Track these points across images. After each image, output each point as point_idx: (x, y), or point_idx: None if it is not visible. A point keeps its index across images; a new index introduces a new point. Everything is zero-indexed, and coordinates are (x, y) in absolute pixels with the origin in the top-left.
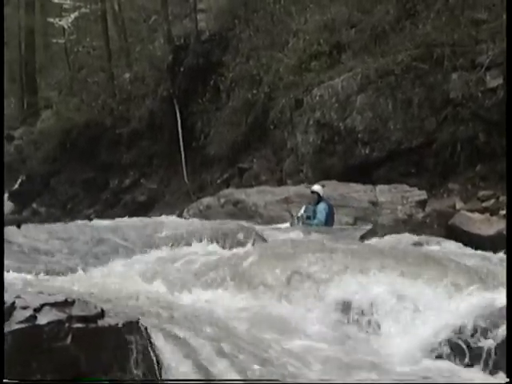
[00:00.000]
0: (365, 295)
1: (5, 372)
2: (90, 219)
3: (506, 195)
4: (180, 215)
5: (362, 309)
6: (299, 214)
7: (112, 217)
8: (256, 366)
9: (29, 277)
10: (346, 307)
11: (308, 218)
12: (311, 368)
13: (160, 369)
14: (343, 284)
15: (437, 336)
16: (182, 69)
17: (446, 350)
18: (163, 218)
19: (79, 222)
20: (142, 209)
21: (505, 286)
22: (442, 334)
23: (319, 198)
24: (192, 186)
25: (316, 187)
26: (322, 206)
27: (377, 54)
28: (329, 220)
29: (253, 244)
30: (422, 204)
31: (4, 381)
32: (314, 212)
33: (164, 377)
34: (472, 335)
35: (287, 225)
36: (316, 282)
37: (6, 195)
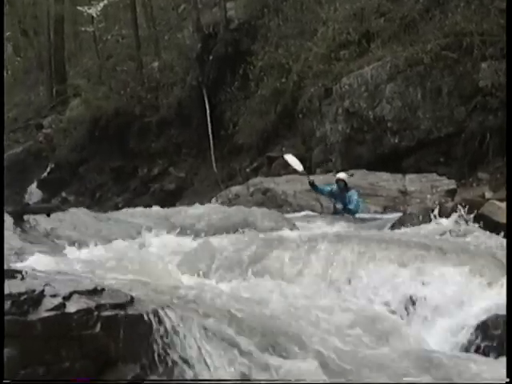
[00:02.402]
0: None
1: (34, 358)
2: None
3: (506, 195)
4: (209, 203)
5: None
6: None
7: (140, 205)
8: None
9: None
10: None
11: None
12: None
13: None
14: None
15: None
16: (210, 57)
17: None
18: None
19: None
20: (171, 197)
21: None
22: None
23: (346, 186)
24: (221, 174)
25: (342, 175)
26: (355, 195)
27: (406, 42)
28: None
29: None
30: (451, 193)
31: (4, 381)
32: (344, 199)
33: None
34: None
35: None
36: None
37: (34, 183)
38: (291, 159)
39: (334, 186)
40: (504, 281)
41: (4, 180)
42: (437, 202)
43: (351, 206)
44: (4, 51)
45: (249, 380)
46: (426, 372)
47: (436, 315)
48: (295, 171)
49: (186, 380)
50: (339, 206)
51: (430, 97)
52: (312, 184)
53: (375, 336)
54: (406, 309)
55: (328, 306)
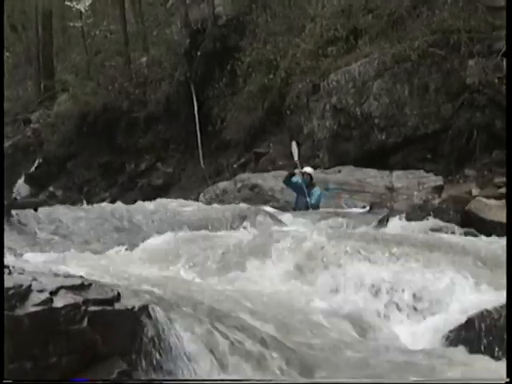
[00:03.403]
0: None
1: (22, 353)
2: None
3: (506, 194)
4: (196, 199)
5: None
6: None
7: (128, 200)
8: None
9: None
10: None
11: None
12: None
13: (175, 352)
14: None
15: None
16: (198, 53)
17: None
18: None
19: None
20: (158, 192)
21: None
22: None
23: (311, 180)
24: (208, 170)
25: (308, 169)
26: (318, 191)
27: (393, 39)
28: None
29: None
30: (438, 190)
31: (4, 381)
32: (309, 194)
33: (178, 359)
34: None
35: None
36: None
37: (22, 178)
38: (294, 147)
39: (300, 180)
40: (489, 278)
41: (4, 180)
42: (423, 199)
43: (312, 201)
44: (4, 51)
45: (249, 380)
46: (407, 371)
47: (422, 312)
48: (282, 167)
49: (194, 380)
50: (301, 200)
51: (418, 93)
52: (290, 176)
53: (358, 333)
54: (390, 306)
55: (309, 304)
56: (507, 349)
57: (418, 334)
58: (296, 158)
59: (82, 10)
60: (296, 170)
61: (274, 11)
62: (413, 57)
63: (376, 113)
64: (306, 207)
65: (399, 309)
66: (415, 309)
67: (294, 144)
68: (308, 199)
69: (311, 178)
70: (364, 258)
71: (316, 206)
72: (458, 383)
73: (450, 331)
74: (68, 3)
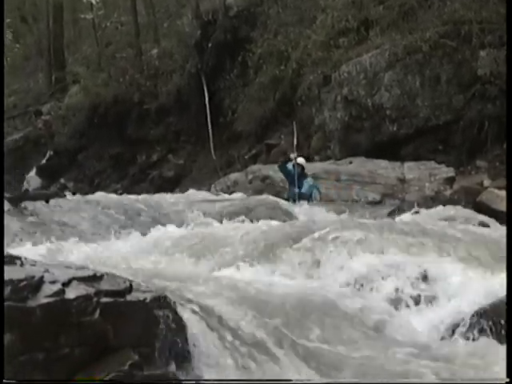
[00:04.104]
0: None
1: (33, 344)
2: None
3: (506, 193)
4: (208, 191)
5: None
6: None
7: (139, 192)
8: None
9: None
10: None
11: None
12: None
13: (187, 343)
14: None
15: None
16: (209, 45)
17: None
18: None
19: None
20: (169, 184)
21: None
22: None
23: (303, 171)
24: (219, 161)
25: (300, 160)
26: (310, 182)
27: (405, 30)
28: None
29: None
30: (449, 181)
31: (4, 381)
32: (300, 185)
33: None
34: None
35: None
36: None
37: (33, 170)
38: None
39: (291, 167)
40: (499, 269)
41: (4, 177)
42: (435, 190)
43: (302, 190)
44: (4, 49)
45: (249, 380)
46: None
47: (433, 303)
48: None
49: (194, 380)
50: (293, 191)
51: (429, 85)
52: (285, 162)
53: (368, 326)
54: (402, 298)
55: (320, 295)
56: (507, 349)
57: (430, 324)
58: (295, 142)
59: (93, 2)
60: (292, 155)
61: (286, 2)
62: (424, 48)
63: (387, 104)
64: (297, 197)
65: (412, 299)
66: (426, 299)
67: (295, 125)
68: (297, 189)
69: (303, 168)
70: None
71: (307, 197)
72: (458, 383)
73: (463, 321)
74: None
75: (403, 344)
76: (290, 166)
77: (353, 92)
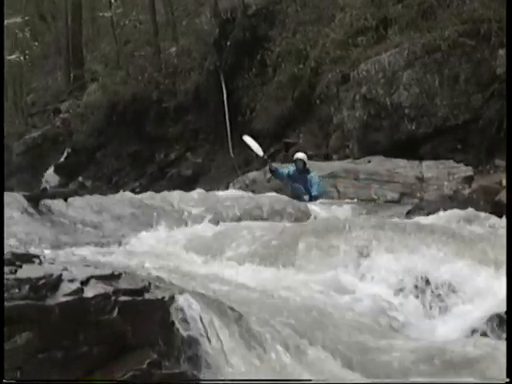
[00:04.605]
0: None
1: (52, 343)
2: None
3: (506, 193)
4: (226, 189)
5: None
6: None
7: (158, 190)
8: None
9: (76, 248)
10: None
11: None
12: None
13: (205, 342)
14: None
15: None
16: (228, 43)
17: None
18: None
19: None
20: (188, 182)
21: None
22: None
23: (305, 167)
24: (237, 160)
25: (301, 155)
26: (315, 178)
27: (424, 29)
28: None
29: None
30: (468, 180)
31: (4, 381)
32: (305, 183)
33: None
34: None
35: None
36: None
37: (52, 168)
38: (250, 141)
39: (292, 168)
40: None
41: (4, 178)
42: (454, 189)
43: (314, 192)
44: (4, 50)
45: (250, 380)
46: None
47: (453, 303)
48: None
49: (194, 380)
50: (299, 189)
51: (448, 84)
52: (273, 170)
53: (387, 326)
54: (420, 297)
55: (340, 296)
56: (507, 349)
57: (447, 325)
58: (260, 152)
59: (112, 0)
60: (273, 165)
61: (304, 1)
62: (443, 47)
63: (406, 103)
64: (302, 195)
65: (431, 300)
66: (445, 300)
67: (246, 139)
68: (297, 186)
69: (305, 164)
70: (394, 248)
71: (317, 196)
72: (458, 383)
73: (484, 322)
74: None
75: (425, 346)
76: (281, 169)
77: (371, 91)
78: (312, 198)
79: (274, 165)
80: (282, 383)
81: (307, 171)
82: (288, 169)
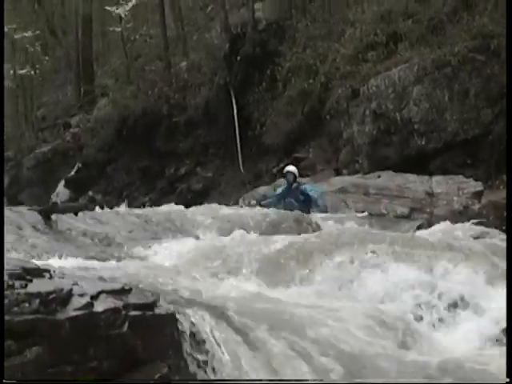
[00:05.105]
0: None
1: (62, 357)
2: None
3: (506, 194)
4: (235, 204)
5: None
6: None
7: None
8: None
9: (86, 262)
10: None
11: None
12: None
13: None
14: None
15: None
16: (238, 58)
17: None
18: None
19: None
20: (197, 197)
21: None
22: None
23: (295, 180)
24: (247, 175)
25: (291, 168)
26: (308, 186)
27: (433, 44)
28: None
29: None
30: (477, 195)
31: (4, 381)
32: (296, 195)
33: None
34: None
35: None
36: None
37: (62, 182)
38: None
39: (280, 188)
40: None
41: (4, 179)
42: (463, 204)
43: (314, 195)
44: (4, 50)
45: (250, 380)
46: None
47: (462, 315)
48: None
49: (197, 380)
50: (291, 203)
51: (458, 99)
52: (262, 205)
53: (396, 340)
54: (433, 310)
55: (347, 309)
56: (507, 349)
57: (459, 337)
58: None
59: (122, 15)
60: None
61: (314, 16)
62: (453, 62)
63: (416, 118)
64: (296, 208)
65: (444, 313)
66: (456, 313)
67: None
68: (289, 200)
69: (295, 176)
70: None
71: (315, 200)
72: (458, 383)
73: (496, 334)
74: (108, 8)
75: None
76: (270, 195)
77: (381, 106)
78: (314, 204)
79: (261, 192)
80: (283, 383)
81: (298, 184)
82: (276, 191)
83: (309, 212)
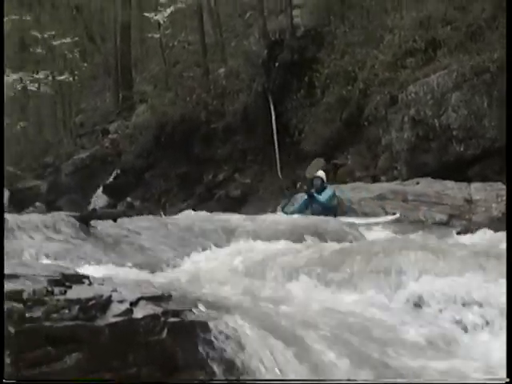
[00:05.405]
0: None
1: (101, 363)
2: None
3: (506, 194)
4: (273, 211)
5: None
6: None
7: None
8: None
9: (125, 269)
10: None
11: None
12: None
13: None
14: None
15: None
16: (276, 64)
17: None
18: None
19: None
20: (235, 203)
21: None
22: None
23: (322, 185)
24: (286, 181)
25: (320, 173)
26: (329, 191)
27: (472, 51)
28: (333, 207)
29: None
30: None
31: (4, 381)
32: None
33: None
34: None
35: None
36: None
37: (100, 189)
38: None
39: (304, 196)
40: None
41: (4, 180)
42: (502, 211)
43: (321, 199)
44: (4, 50)
45: (250, 380)
46: None
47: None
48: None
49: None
50: (317, 209)
51: (496, 105)
52: (286, 211)
53: (442, 350)
54: (470, 318)
55: (392, 318)
56: (507, 349)
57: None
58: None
59: (161, 22)
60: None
61: (352, 22)
62: (492, 68)
63: (454, 124)
64: (324, 209)
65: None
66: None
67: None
68: (316, 206)
69: (323, 181)
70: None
71: (323, 203)
72: (459, 383)
73: None
74: (146, 14)
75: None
76: (292, 207)
77: (420, 112)
78: (323, 208)
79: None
80: (283, 383)
81: (324, 189)
82: (301, 201)
83: (335, 216)
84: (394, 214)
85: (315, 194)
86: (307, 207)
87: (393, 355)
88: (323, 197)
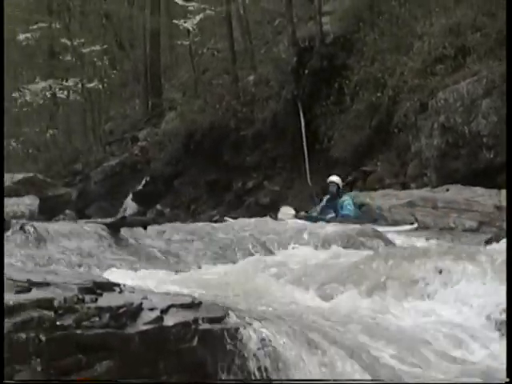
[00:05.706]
0: None
1: (132, 371)
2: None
3: (506, 196)
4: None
5: None
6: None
7: (235, 219)
8: None
9: (156, 276)
10: None
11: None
12: None
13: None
14: None
15: None
16: (306, 71)
17: None
18: None
19: None
20: (265, 211)
21: None
22: None
23: (338, 191)
24: (315, 188)
25: (335, 178)
26: (348, 200)
27: (502, 57)
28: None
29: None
30: None
31: (4, 381)
32: (335, 206)
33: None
34: None
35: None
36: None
37: (130, 196)
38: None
39: (320, 204)
40: None
41: (4, 180)
42: None
43: (344, 212)
44: (4, 50)
45: (250, 380)
46: None
47: None
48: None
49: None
50: (330, 213)
51: None
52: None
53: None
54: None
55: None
56: (507, 349)
57: None
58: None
59: (190, 29)
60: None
61: (382, 29)
62: None
63: (484, 131)
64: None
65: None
66: None
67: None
68: (328, 210)
69: (338, 187)
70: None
71: (347, 215)
72: (459, 383)
73: None
74: (176, 21)
75: None
76: (312, 213)
77: (449, 119)
78: (343, 218)
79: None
80: (283, 383)
81: (340, 195)
82: (317, 206)
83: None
84: (412, 223)
85: (341, 211)
86: (322, 215)
87: None
88: (346, 210)
